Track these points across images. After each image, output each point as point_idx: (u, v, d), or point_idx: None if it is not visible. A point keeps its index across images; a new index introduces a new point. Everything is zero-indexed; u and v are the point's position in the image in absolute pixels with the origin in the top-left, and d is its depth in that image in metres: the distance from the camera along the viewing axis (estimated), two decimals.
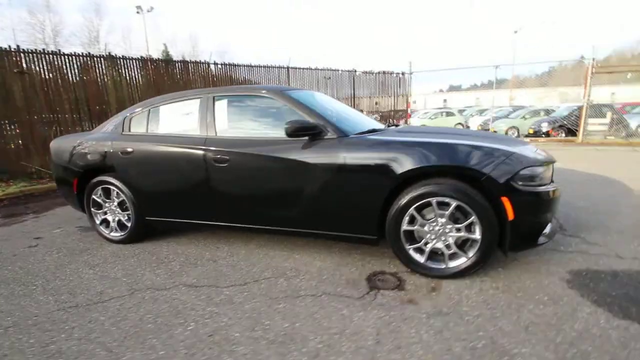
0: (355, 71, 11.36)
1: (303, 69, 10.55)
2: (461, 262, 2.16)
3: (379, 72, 11.72)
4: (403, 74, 11.97)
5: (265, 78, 10.00)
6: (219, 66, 9.20)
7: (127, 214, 3.03)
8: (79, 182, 3.11)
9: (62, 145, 3.22)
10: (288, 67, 10.28)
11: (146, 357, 1.61)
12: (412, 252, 2.25)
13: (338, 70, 11.14)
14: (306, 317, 1.87)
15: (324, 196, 2.35)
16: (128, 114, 3.03)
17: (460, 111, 20.01)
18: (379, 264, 2.48)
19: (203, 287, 2.26)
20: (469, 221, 2.09)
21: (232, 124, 2.67)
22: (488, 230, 2.05)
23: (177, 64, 8.71)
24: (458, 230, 2.14)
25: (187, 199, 2.77)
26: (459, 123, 16.65)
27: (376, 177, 2.21)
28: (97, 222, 3.16)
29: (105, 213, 3.13)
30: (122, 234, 3.07)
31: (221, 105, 2.70)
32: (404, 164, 2.12)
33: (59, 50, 6.96)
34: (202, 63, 8.94)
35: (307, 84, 10.74)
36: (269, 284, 2.25)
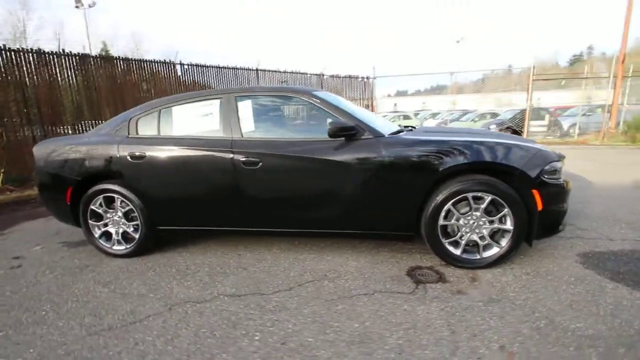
0: (323, 75, 11.52)
1: (272, 71, 10.45)
2: (494, 252, 2.33)
3: (345, 76, 12.00)
4: (367, 78, 12.39)
5: (234, 80, 9.72)
6: (186, 67, 8.76)
7: (134, 225, 2.77)
8: (74, 192, 2.78)
9: (51, 150, 2.84)
10: (257, 69, 10.11)
11: None
12: (448, 246, 2.37)
13: (307, 74, 11.21)
14: (371, 315, 1.88)
15: (364, 195, 2.38)
16: (133, 116, 2.78)
17: (415, 114, 21.18)
18: (411, 259, 2.57)
19: (247, 295, 2.16)
20: (502, 213, 2.26)
21: (259, 125, 2.59)
22: (519, 220, 2.24)
23: (128, 63, 8.09)
24: (491, 222, 2.30)
25: (211, 205, 2.62)
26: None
27: (417, 174, 2.30)
28: (96, 235, 2.84)
29: (106, 225, 2.83)
30: (128, 246, 2.80)
31: (245, 106, 2.61)
32: (445, 161, 2.23)
33: None
34: (168, 63, 8.43)
35: (276, 83, 10.64)
36: (316, 287, 2.22)
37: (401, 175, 2.32)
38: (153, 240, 2.83)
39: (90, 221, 2.82)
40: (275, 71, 10.54)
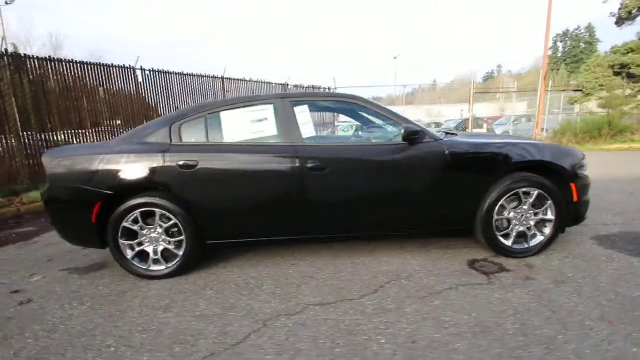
0: (288, 84, 11.55)
1: (238, 80, 10.18)
2: (539, 240, 2.62)
3: (308, 87, 12.19)
4: (329, 88, 12.74)
5: (199, 88, 9.25)
6: (148, 73, 8.10)
7: (177, 241, 2.51)
8: (101, 208, 2.42)
9: (71, 160, 2.44)
10: (223, 78, 9.77)
11: None
12: (500, 238, 2.60)
13: (272, 83, 11.13)
14: (472, 306, 1.99)
15: (429, 194, 2.50)
16: (174, 122, 2.53)
17: None
18: (462, 254, 2.74)
19: (336, 303, 2.10)
20: (546, 206, 2.56)
21: (309, 129, 2.56)
22: (560, 211, 2.56)
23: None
24: (536, 214, 2.59)
25: (274, 213, 2.49)
26: None
27: (479, 173, 2.50)
28: (129, 256, 2.50)
29: (141, 244, 2.51)
30: (169, 265, 2.52)
31: (302, 111, 2.56)
32: (504, 161, 2.47)
33: None
34: (127, 68, 7.71)
35: (242, 93, 10.37)
36: (399, 287, 2.26)
37: (464, 174, 2.50)
38: (196, 257, 2.59)
39: (121, 241, 2.48)
40: (242, 80, 10.28)
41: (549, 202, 2.55)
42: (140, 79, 8.04)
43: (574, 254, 2.66)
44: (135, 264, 2.52)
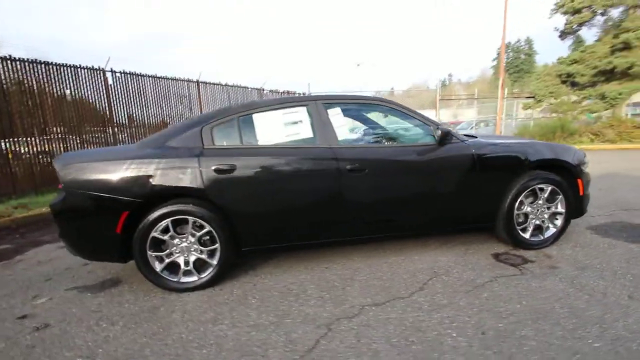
0: (263, 89, 11.42)
1: (214, 84, 9.87)
2: (552, 232, 2.85)
3: (284, 92, 12.14)
4: (304, 93, 12.78)
5: (173, 91, 8.84)
6: (118, 75, 7.59)
7: (210, 250, 2.38)
8: (128, 218, 2.23)
9: (91, 166, 2.22)
10: (198, 82, 9.43)
11: None
12: (520, 232, 2.79)
13: (247, 88, 10.94)
14: (518, 296, 2.11)
15: (460, 193, 2.62)
16: (205, 125, 2.41)
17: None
18: (484, 248, 2.89)
19: (390, 302, 2.12)
20: (557, 200, 2.80)
21: (351, 131, 2.58)
22: (569, 204, 2.81)
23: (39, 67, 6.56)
24: (549, 208, 2.82)
25: (312, 217, 2.45)
26: None
27: (503, 171, 2.67)
28: (158, 268, 2.33)
29: (170, 254, 2.35)
30: (202, 276, 2.38)
31: (336, 113, 2.57)
32: (524, 159, 2.66)
33: None
34: (96, 70, 7.17)
35: (218, 100, 10.09)
36: (442, 283, 2.33)
37: (489, 173, 2.66)
38: (229, 265, 2.47)
39: (149, 252, 2.30)
40: (217, 84, 9.98)
41: (560, 196, 2.79)
42: (110, 81, 7.51)
43: (580, 243, 2.92)
44: (165, 276, 2.35)
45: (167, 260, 2.34)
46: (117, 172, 2.21)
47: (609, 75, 11.49)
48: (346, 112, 2.64)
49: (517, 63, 71.60)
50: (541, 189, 2.75)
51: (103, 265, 2.95)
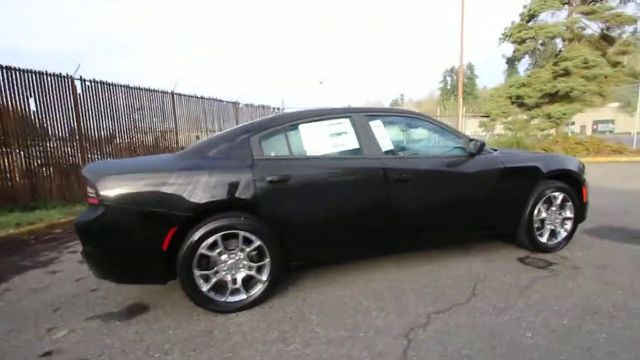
0: (239, 103, 11.22)
1: (189, 96, 9.51)
2: (563, 235, 3.11)
3: (259, 106, 12.03)
4: (279, 108, 12.78)
5: (147, 102, 8.36)
6: (88, 84, 7.03)
7: (259, 265, 2.26)
8: (175, 234, 2.05)
9: (137, 178, 2.01)
10: (173, 93, 9.02)
11: None
12: (538, 237, 3.01)
13: (223, 101, 10.68)
14: (562, 294, 2.27)
15: (492, 201, 2.78)
16: (252, 134, 2.31)
17: None
18: (506, 253, 3.07)
19: (452, 308, 2.16)
20: (567, 206, 3.08)
21: (394, 143, 2.64)
22: (576, 210, 3.11)
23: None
24: (560, 214, 3.09)
25: (363, 227, 2.44)
26: None
27: (524, 181, 2.88)
28: (205, 288, 2.15)
29: (216, 272, 2.19)
30: (251, 294, 2.25)
31: (377, 125, 2.62)
32: (542, 170, 2.90)
33: None
34: (64, 77, 6.58)
35: (193, 112, 9.72)
36: (490, 288, 2.42)
37: (514, 182, 2.86)
38: (277, 281, 2.36)
39: (196, 271, 2.12)
40: (192, 96, 9.61)
41: (569, 203, 3.07)
42: (79, 90, 6.92)
43: (585, 245, 3.23)
44: (212, 296, 2.17)
45: (214, 279, 2.18)
46: (166, 185, 2.04)
47: (553, 97, 13.09)
48: (385, 124, 2.71)
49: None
50: (554, 197, 3.02)
51: (117, 290, 2.66)
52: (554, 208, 3.04)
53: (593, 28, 13.33)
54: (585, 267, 2.72)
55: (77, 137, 6.81)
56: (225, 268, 2.20)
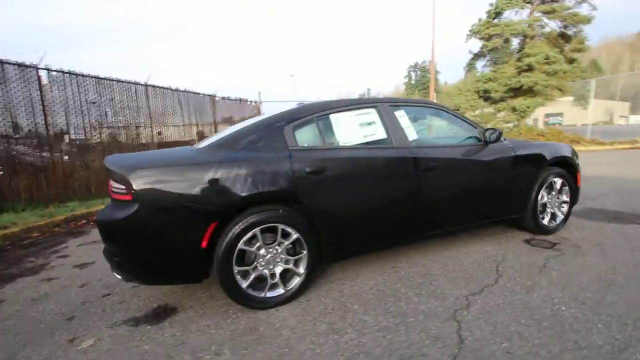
0: (216, 96, 10.81)
1: (164, 88, 9.01)
2: (561, 218, 3.35)
3: (236, 99, 11.67)
4: (256, 102, 12.49)
5: (119, 94, 7.82)
6: (55, 74, 6.44)
7: (296, 259, 2.22)
8: (215, 229, 1.95)
9: (173, 170, 1.88)
10: (146, 85, 8.51)
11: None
12: (541, 220, 3.22)
13: (199, 94, 10.23)
14: (577, 271, 2.44)
15: (505, 187, 2.93)
16: (285, 124, 2.24)
17: None
18: (511, 236, 3.25)
19: (484, 289, 2.26)
20: (565, 191, 3.31)
21: (417, 132, 2.68)
22: (572, 194, 3.36)
23: None
24: (559, 198, 3.32)
25: (394, 216, 2.46)
26: None
27: (534, 166, 3.05)
28: (244, 285, 2.07)
29: (255, 268, 2.12)
30: (289, 287, 2.21)
31: (401, 115, 2.65)
32: (546, 157, 3.09)
33: None
34: (27, 67, 5.97)
35: (169, 105, 9.24)
36: (511, 269, 2.55)
37: (524, 169, 3.02)
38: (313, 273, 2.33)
39: (235, 267, 2.04)
40: (167, 88, 9.10)
41: (567, 187, 3.31)
42: (45, 81, 6.32)
43: (577, 226, 3.50)
44: (250, 293, 2.10)
45: (252, 275, 2.10)
46: (206, 178, 1.93)
47: (517, 91, 13.98)
48: (408, 114, 2.74)
49: (424, 81, 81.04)
50: (555, 182, 3.23)
51: (133, 293, 2.50)
52: (554, 193, 3.26)
53: (552, 26, 14.34)
54: (586, 245, 2.95)
55: (45, 132, 6.23)
56: (263, 263, 2.14)
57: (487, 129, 2.85)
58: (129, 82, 8.11)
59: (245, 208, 2.04)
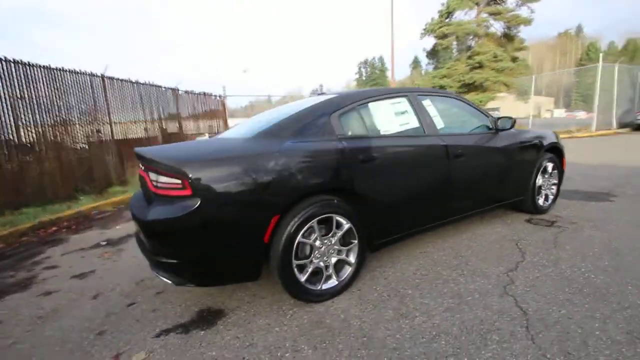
0: (178, 90, 10.15)
1: (122, 80, 8.25)
2: (551, 198, 3.70)
3: (200, 93, 11.06)
4: (220, 96, 11.96)
5: (73, 86, 7.01)
6: (4, 62, 5.58)
7: (347, 249, 2.20)
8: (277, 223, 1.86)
9: (235, 161, 1.74)
10: (103, 76, 7.72)
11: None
12: (538, 201, 3.53)
13: (161, 87, 9.53)
14: (587, 244, 2.73)
15: (515, 171, 3.16)
16: (331, 112, 2.18)
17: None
18: (512, 217, 3.52)
19: (518, 266, 2.42)
20: (555, 174, 3.67)
21: (442, 121, 2.78)
22: (560, 177, 3.73)
23: None
24: (550, 180, 3.67)
25: (430, 201, 2.54)
26: None
27: (535, 152, 3.33)
28: (303, 279, 2.00)
29: (311, 260, 2.06)
30: (342, 278, 2.18)
31: (428, 104, 2.72)
32: (543, 143, 3.39)
33: None
34: None
35: (129, 98, 8.49)
36: (532, 246, 2.76)
37: (529, 153, 3.29)
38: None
39: (294, 261, 1.96)
40: (126, 80, 8.33)
41: (556, 171, 3.67)
42: None
43: (563, 206, 3.88)
44: (309, 286, 2.04)
45: (310, 268, 2.04)
46: (267, 169, 1.82)
47: (469, 87, 15.08)
48: (434, 103, 2.83)
49: (374, 77, 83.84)
50: (547, 166, 3.57)
51: (162, 300, 2.32)
52: (547, 176, 3.60)
53: (496, 27, 15.65)
54: (581, 222, 3.30)
55: None
56: (318, 255, 2.08)
57: (499, 118, 3.05)
58: (84, 74, 7.31)
59: (303, 199, 1.97)
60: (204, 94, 11.30)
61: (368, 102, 2.42)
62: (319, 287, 2.09)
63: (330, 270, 2.13)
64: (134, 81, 8.65)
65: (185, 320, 2.04)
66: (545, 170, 3.55)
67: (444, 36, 15.65)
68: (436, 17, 16.30)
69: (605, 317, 1.78)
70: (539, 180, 3.50)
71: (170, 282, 1.85)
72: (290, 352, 1.69)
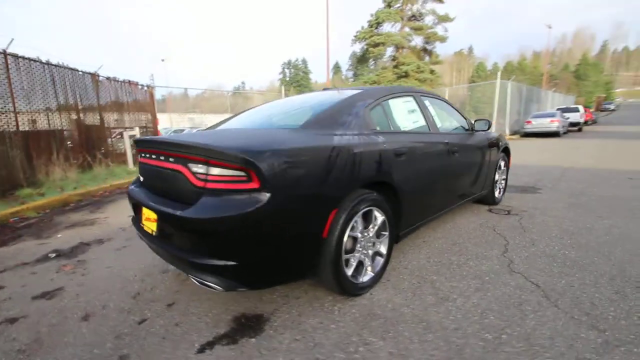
0: (99, 75, 8.79)
1: (30, 59, 6.82)
2: (501, 191, 4.33)
3: (124, 81, 9.74)
4: (149, 86, 10.74)
5: None
6: None
7: (380, 242, 2.25)
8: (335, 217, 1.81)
9: (300, 152, 1.61)
10: (5, 53, 6.29)
11: None
12: (495, 194, 4.10)
13: (78, 71, 8.14)
14: (549, 226, 3.27)
15: (486, 167, 3.60)
16: (364, 107, 2.19)
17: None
18: (474, 209, 4.03)
19: (508, 248, 2.79)
20: (503, 169, 4.30)
21: (438, 120, 3.02)
22: (506, 171, 4.39)
23: None
24: (501, 175, 4.29)
25: (443, 192, 2.81)
26: None
27: (496, 150, 3.85)
28: (349, 272, 1.99)
29: (354, 255, 2.05)
30: (377, 270, 2.22)
31: (428, 104, 2.94)
32: (501, 143, 3.95)
33: None
34: None
35: (38, 81, 7.07)
36: (510, 229, 3.20)
37: (494, 152, 3.78)
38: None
39: (343, 255, 1.93)
40: (36, 60, 6.88)
41: (506, 168, 4.31)
42: None
43: (508, 198, 4.58)
44: (354, 280, 2.04)
45: (354, 262, 2.04)
46: (327, 161, 1.75)
47: None
48: (433, 104, 3.06)
49: (297, 78, 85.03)
50: (501, 164, 4.17)
51: (182, 311, 2.07)
52: (500, 171, 4.20)
53: (417, 41, 17.44)
54: (529, 210, 3.94)
55: None
56: (359, 248, 2.09)
57: (476, 120, 3.46)
58: None
59: (351, 193, 1.95)
60: (129, 82, 10.00)
61: (388, 98, 2.51)
62: (361, 280, 2.10)
63: (369, 263, 2.16)
64: (44, 61, 7.23)
65: (225, 330, 1.84)
66: (500, 167, 4.14)
67: (375, 45, 16.86)
68: (366, 26, 17.46)
69: (594, 283, 2.19)
70: (497, 176, 4.08)
71: (216, 288, 1.64)
72: (362, 345, 1.67)
